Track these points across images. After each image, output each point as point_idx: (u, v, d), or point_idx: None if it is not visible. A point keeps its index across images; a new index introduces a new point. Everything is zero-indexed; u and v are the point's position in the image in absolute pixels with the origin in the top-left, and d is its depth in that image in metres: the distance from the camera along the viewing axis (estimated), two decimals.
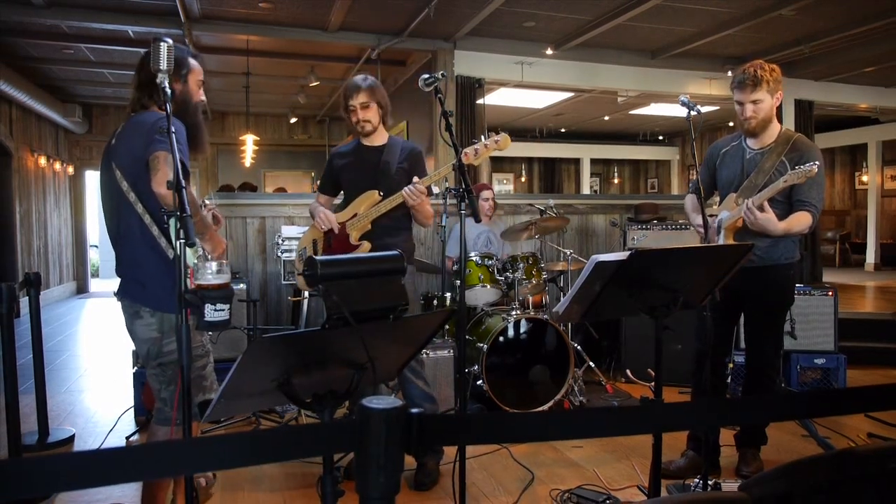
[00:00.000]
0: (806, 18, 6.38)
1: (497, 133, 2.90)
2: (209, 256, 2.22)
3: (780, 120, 3.14)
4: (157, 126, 2.15)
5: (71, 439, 3.67)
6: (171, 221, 1.99)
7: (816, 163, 2.70)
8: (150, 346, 2.26)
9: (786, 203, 2.88)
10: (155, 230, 2.20)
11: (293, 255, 4.60)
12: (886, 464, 0.96)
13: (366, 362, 1.43)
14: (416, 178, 2.97)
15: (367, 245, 3.04)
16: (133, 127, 2.27)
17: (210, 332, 2.04)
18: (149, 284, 2.23)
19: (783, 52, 7.34)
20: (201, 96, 2.43)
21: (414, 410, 0.86)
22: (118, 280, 2.34)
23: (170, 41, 1.96)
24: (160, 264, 2.21)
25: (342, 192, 3.31)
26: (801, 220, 2.82)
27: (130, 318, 2.28)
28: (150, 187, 2.10)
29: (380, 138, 3.17)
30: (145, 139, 2.15)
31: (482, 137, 2.92)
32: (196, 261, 1.95)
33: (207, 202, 2.53)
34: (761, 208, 2.75)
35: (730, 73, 3.00)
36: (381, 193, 3.03)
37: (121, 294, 2.30)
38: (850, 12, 6.25)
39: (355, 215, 3.07)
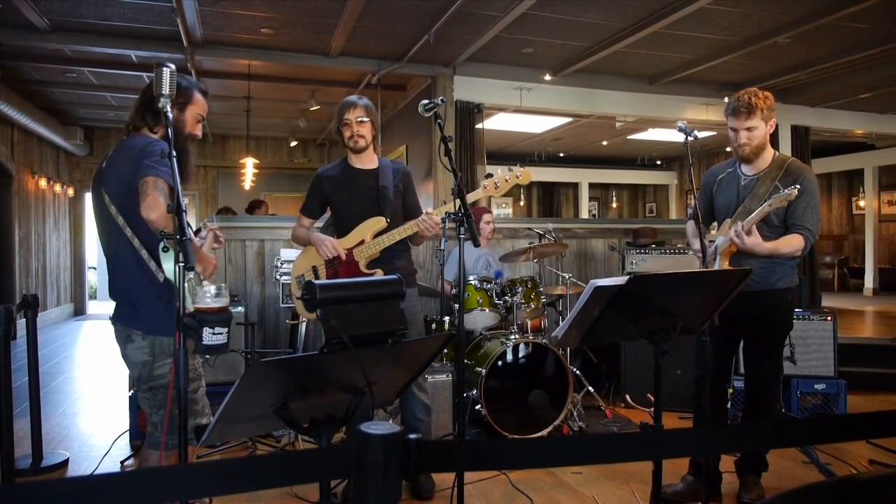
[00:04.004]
0: (801, 46, 6.46)
1: (519, 166, 2.96)
2: (202, 277, 2.21)
3: (776, 146, 3.17)
4: (147, 151, 2.15)
5: (65, 463, 3.62)
6: (161, 245, 2.00)
7: (796, 187, 2.71)
8: (141, 370, 2.25)
9: (781, 227, 2.89)
10: (144, 254, 2.19)
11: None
12: (889, 491, 0.95)
13: (364, 387, 1.42)
14: (429, 210, 2.97)
15: (380, 272, 3.00)
16: (122, 151, 2.27)
17: (207, 356, 2.03)
18: (140, 308, 2.23)
19: (779, 78, 7.41)
20: (197, 131, 2.41)
21: (412, 436, 0.86)
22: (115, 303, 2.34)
23: (172, 66, 1.97)
24: (150, 288, 2.21)
25: (324, 215, 3.30)
26: (790, 242, 2.83)
27: (123, 342, 2.28)
28: (138, 212, 2.09)
29: (371, 161, 3.17)
30: (134, 164, 2.15)
31: (499, 171, 2.96)
32: (186, 283, 1.95)
33: (209, 224, 2.54)
34: (749, 233, 2.75)
35: (726, 99, 3.03)
36: (388, 220, 3.02)
37: (114, 318, 2.30)
38: (845, 40, 6.33)
39: (362, 242, 3.03)
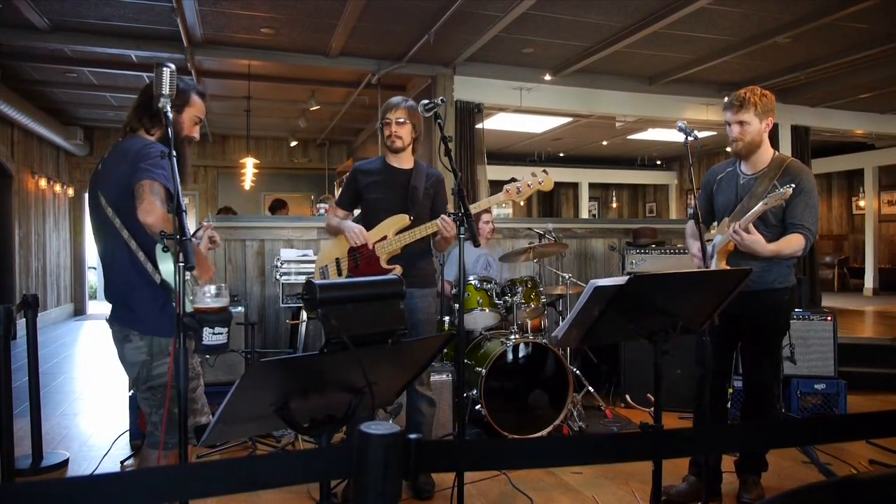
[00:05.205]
0: (801, 46, 6.46)
1: (544, 172, 2.96)
2: (198, 282, 2.21)
3: (776, 146, 3.17)
4: (143, 153, 2.14)
5: (65, 463, 3.62)
6: (158, 247, 1.99)
7: (791, 185, 2.72)
8: (139, 370, 2.25)
9: (780, 227, 2.89)
10: (141, 255, 2.19)
11: (292, 278, 4.60)
12: (889, 491, 0.95)
13: (364, 387, 1.42)
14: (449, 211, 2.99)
15: (399, 269, 3.03)
16: (118, 153, 2.27)
17: (207, 356, 2.03)
18: (137, 309, 2.23)
19: (779, 78, 7.41)
20: (194, 133, 2.40)
21: (412, 436, 0.86)
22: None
23: (173, 66, 1.97)
24: (147, 290, 2.20)
25: (357, 208, 3.33)
26: (791, 243, 2.83)
27: (120, 343, 2.28)
28: (135, 214, 2.08)
29: (407, 161, 3.23)
30: (131, 166, 2.14)
31: (523, 176, 2.98)
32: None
33: (206, 223, 2.53)
34: (747, 230, 2.76)
35: (726, 99, 3.06)
36: (412, 219, 3.07)
37: (111, 319, 2.29)
38: (845, 40, 6.33)
39: (385, 238, 3.08)
